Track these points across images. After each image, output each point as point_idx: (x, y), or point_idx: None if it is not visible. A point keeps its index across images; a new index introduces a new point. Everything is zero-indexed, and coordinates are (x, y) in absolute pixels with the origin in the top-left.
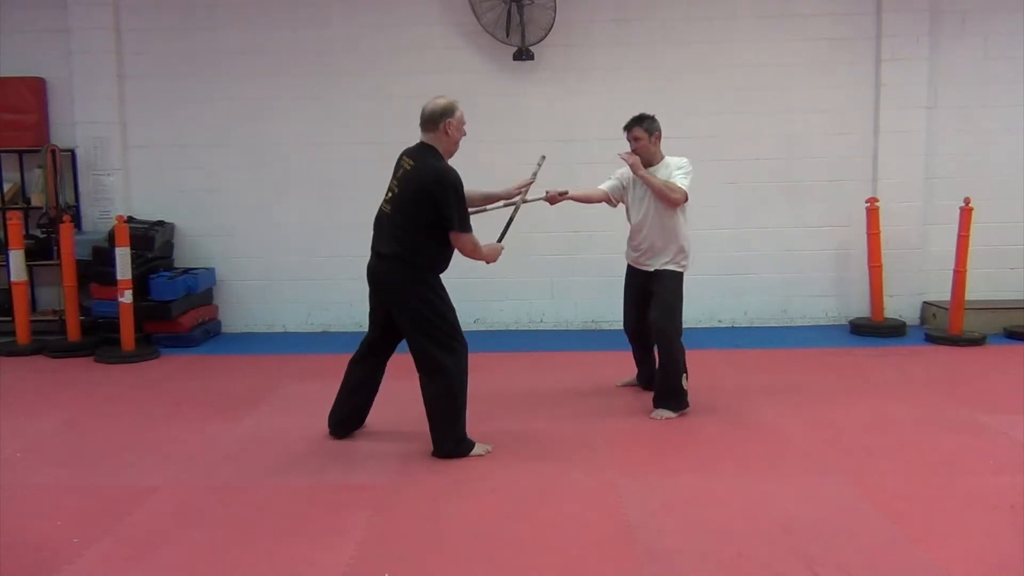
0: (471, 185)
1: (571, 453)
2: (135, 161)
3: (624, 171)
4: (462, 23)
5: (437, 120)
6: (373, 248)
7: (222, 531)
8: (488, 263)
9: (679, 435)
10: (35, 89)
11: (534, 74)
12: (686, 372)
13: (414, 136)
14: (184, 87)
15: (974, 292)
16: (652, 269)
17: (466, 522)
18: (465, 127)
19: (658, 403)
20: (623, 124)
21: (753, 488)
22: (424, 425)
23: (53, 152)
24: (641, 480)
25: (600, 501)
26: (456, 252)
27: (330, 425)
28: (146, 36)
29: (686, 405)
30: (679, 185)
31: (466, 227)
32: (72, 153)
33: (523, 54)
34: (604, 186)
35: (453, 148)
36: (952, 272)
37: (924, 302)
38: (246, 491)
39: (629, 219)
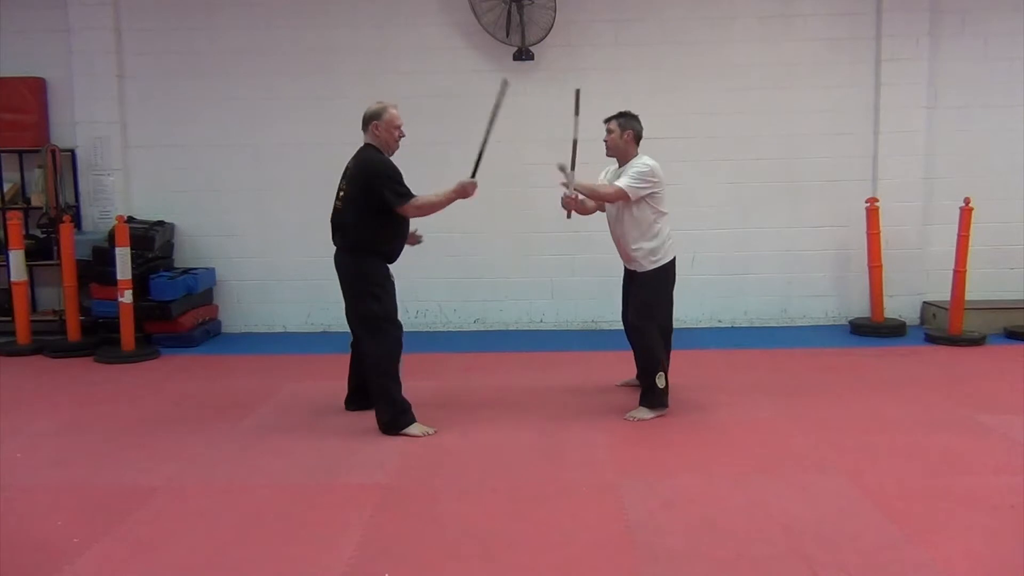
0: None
1: (571, 453)
2: (135, 161)
3: (611, 167)
4: (462, 23)
5: (367, 123)
6: (333, 242)
7: (222, 531)
8: (466, 197)
9: (679, 435)
10: (35, 89)
11: (534, 74)
12: (663, 371)
13: (413, 136)
14: (184, 87)
15: (974, 292)
16: (633, 269)
17: (466, 522)
18: (399, 127)
19: (640, 401)
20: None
21: (753, 488)
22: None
23: (53, 152)
24: (641, 480)
25: (600, 501)
26: (404, 236)
27: (346, 401)
28: (146, 36)
29: (663, 405)
30: (614, 183)
31: (401, 199)
32: (72, 153)
33: (523, 54)
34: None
35: (385, 146)
36: (952, 272)
37: (924, 302)
38: (246, 491)
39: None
